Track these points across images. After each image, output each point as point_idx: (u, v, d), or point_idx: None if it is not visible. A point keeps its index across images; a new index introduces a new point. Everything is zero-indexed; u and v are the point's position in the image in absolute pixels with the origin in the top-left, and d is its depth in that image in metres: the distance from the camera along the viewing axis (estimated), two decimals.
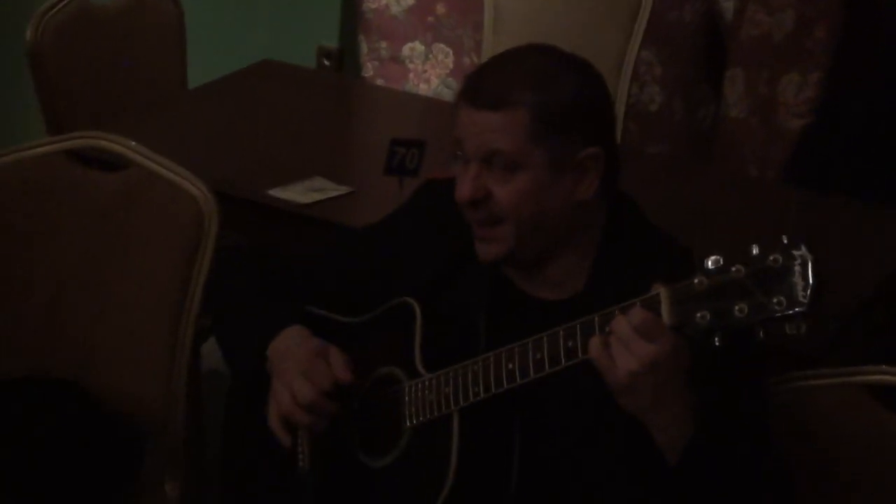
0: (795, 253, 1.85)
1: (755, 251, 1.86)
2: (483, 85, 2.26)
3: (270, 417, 2.44)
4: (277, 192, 3.42)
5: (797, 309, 1.86)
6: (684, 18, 4.55)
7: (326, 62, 4.97)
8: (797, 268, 1.86)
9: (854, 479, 2.43)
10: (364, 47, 5.12)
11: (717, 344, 1.96)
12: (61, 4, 4.02)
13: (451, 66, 4.97)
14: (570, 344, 2.09)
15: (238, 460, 2.58)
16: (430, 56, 5.04)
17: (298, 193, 3.44)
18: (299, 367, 2.41)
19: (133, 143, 2.95)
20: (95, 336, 3.07)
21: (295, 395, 2.39)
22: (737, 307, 1.90)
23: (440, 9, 4.97)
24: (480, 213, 2.26)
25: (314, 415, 2.39)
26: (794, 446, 2.36)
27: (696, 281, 1.94)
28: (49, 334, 3.08)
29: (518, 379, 2.20)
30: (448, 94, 4.79)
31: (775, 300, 1.86)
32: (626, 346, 2.00)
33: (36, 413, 2.99)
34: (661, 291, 1.98)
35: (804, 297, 1.85)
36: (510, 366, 2.20)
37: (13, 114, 4.17)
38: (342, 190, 3.45)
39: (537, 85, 2.24)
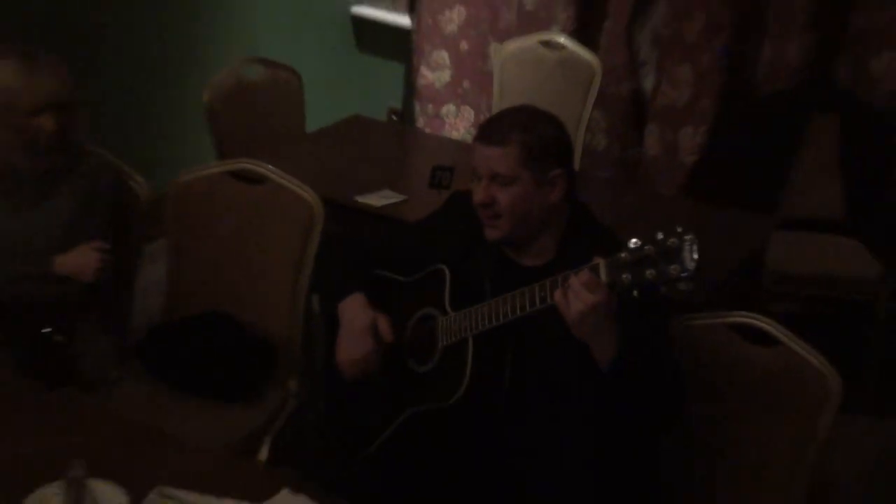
0: (686, 238, 2.06)
1: (660, 236, 2.09)
2: (490, 130, 2.47)
3: (338, 358, 2.57)
4: (361, 198, 3.55)
5: (686, 273, 2.04)
6: (621, 92, 4.57)
7: (394, 117, 5.06)
8: (687, 247, 2.05)
9: (721, 384, 2.57)
10: (417, 108, 5.22)
11: (635, 295, 2.12)
12: (225, 77, 4.07)
13: (472, 120, 5.10)
14: (542, 294, 2.26)
15: (334, 368, 2.59)
16: (459, 114, 5.12)
17: (374, 199, 3.62)
18: (347, 331, 2.54)
19: (270, 166, 3.15)
20: (245, 288, 3.20)
21: (343, 356, 2.51)
22: (648, 272, 2.10)
23: (466, 84, 5.07)
24: (488, 211, 2.44)
25: (355, 368, 2.52)
26: (686, 360, 2.43)
27: (622, 255, 2.14)
28: (218, 287, 3.24)
29: (510, 316, 2.33)
30: (470, 139, 4.82)
31: (672, 267, 2.06)
32: (576, 295, 2.14)
33: (211, 333, 3.01)
34: (601, 262, 2.17)
35: (691, 265, 2.04)
36: (505, 308, 2.35)
37: (197, 147, 4.19)
38: (401, 197, 3.62)
39: (524, 130, 2.43)
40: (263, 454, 2.91)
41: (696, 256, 2.09)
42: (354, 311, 2.58)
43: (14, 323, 2.81)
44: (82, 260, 2.88)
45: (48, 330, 2.82)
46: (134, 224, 3.14)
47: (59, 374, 2.73)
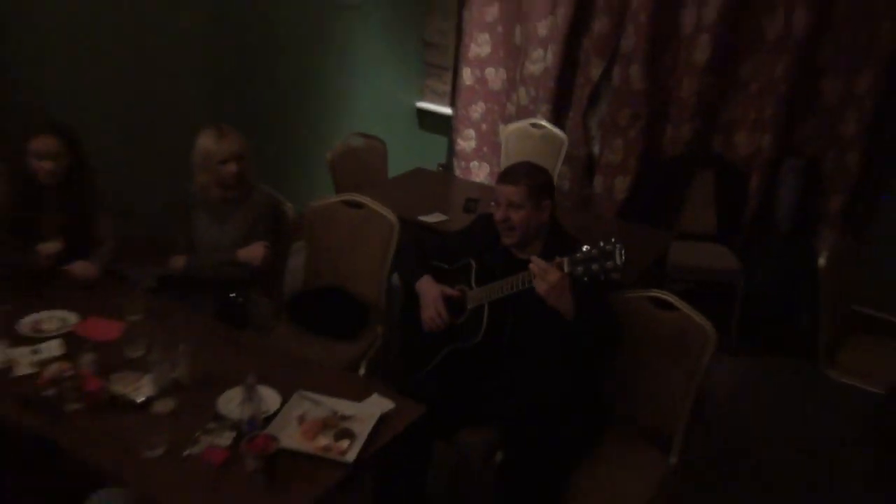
0: (617, 244, 2.11)
1: (601, 244, 2.15)
2: (508, 175, 2.49)
3: (422, 317, 2.55)
4: (421, 217, 3.52)
5: (617, 266, 2.08)
6: (579, 154, 4.57)
7: (441, 168, 5.02)
8: (617, 250, 2.10)
9: (640, 335, 2.51)
10: (455, 163, 5.20)
11: (585, 280, 2.15)
12: (340, 144, 4.04)
13: (489, 171, 5.12)
14: (525, 276, 2.28)
15: (408, 321, 2.58)
16: (480, 167, 5.15)
17: (429, 218, 3.57)
18: (427, 300, 2.53)
19: (366, 198, 3.07)
20: (351, 270, 3.12)
21: (428, 313, 2.50)
22: (593, 265, 2.15)
23: (485, 149, 5.12)
24: (505, 225, 2.47)
25: (434, 322, 2.49)
26: (619, 320, 2.42)
27: (577, 255, 2.17)
28: (334, 270, 3.16)
29: (509, 291, 2.35)
30: (487, 182, 4.78)
31: (608, 263, 2.12)
32: (543, 278, 2.15)
33: (331, 298, 3.01)
34: (564, 259, 2.19)
35: (620, 262, 2.08)
36: (507, 286, 2.36)
37: (322, 186, 4.15)
38: (446, 217, 3.55)
39: (528, 176, 2.46)
40: (362, 371, 2.88)
41: (623, 257, 2.09)
42: (427, 287, 2.56)
43: (214, 290, 2.81)
44: (254, 253, 2.86)
45: (233, 294, 2.81)
46: (284, 231, 3.10)
47: (240, 321, 2.72)
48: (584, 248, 2.16)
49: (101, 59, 3.84)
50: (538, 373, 2.42)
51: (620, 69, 4.39)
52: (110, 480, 1.86)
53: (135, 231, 3.21)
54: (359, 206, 3.11)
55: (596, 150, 4.68)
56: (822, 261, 2.92)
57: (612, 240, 2.11)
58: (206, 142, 2.83)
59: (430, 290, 2.55)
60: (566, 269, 2.18)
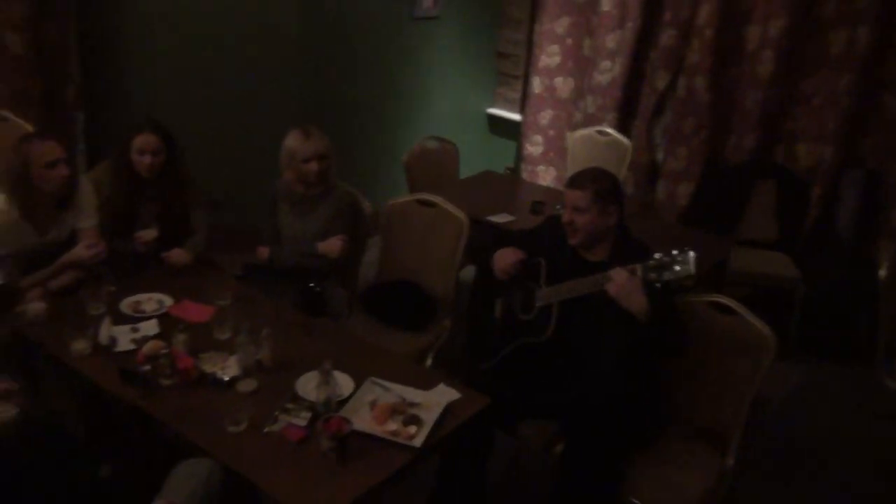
0: (689, 253, 2.08)
1: (674, 252, 2.12)
2: (575, 180, 2.43)
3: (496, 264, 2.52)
4: (490, 217, 3.48)
5: (689, 274, 2.06)
6: (643, 161, 4.47)
7: (509, 171, 4.95)
8: (690, 258, 2.08)
9: (702, 338, 2.41)
10: (522, 167, 5.13)
11: (658, 286, 2.14)
12: (415, 147, 4.05)
13: (555, 175, 5.00)
14: (600, 279, 2.23)
15: (476, 316, 2.57)
16: (547, 172, 5.06)
17: (497, 218, 3.55)
18: (505, 255, 2.49)
19: (439, 197, 3.07)
20: (422, 266, 3.10)
21: (499, 263, 2.50)
22: (665, 272, 2.14)
23: (551, 154, 5.03)
24: (570, 227, 2.41)
25: (507, 270, 2.47)
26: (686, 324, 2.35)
27: (651, 262, 2.16)
28: (406, 265, 3.17)
29: (583, 292, 2.31)
30: (553, 185, 4.73)
31: (681, 271, 2.09)
32: (615, 281, 2.16)
33: (402, 291, 3.04)
34: (638, 266, 2.17)
35: (693, 269, 2.06)
36: (581, 286, 2.32)
37: (398, 185, 4.17)
38: (513, 218, 3.52)
39: (594, 181, 2.39)
40: (429, 362, 2.88)
41: (695, 264, 2.03)
42: (505, 250, 2.52)
43: (295, 279, 2.83)
44: (332, 246, 2.88)
45: (312, 284, 2.84)
46: (362, 227, 3.11)
47: (318, 310, 2.75)
48: (657, 255, 2.12)
49: (200, 67, 3.96)
50: (600, 370, 2.37)
51: (686, 80, 4.30)
52: (197, 451, 1.90)
53: (224, 222, 3.30)
54: (431, 205, 3.12)
55: (660, 157, 4.59)
56: (882, 272, 2.81)
57: (686, 248, 2.07)
58: (292, 141, 2.87)
59: (508, 251, 2.51)
60: (640, 274, 2.15)
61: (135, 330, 2.36)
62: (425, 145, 4.15)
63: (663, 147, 4.57)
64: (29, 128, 3.45)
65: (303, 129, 2.88)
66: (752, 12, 4.07)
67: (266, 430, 1.97)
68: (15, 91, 3.87)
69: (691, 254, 2.05)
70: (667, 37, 4.33)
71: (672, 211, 4.49)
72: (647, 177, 4.67)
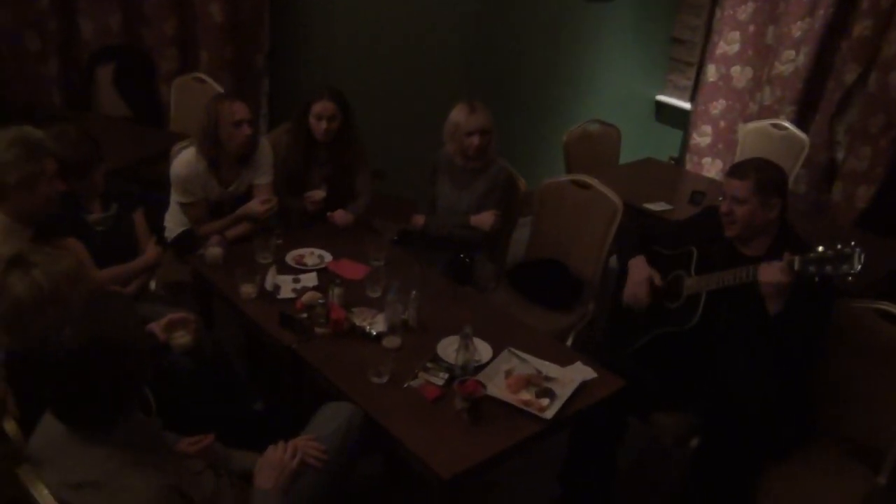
0: (857, 248, 1.95)
1: (839, 245, 1.99)
2: (736, 169, 2.32)
3: (624, 293, 2.51)
4: (646, 204, 3.43)
5: (853, 271, 1.95)
6: (820, 159, 4.21)
7: (673, 161, 4.80)
8: (857, 254, 1.95)
9: (864, 344, 2.30)
10: (687, 157, 4.95)
11: (816, 280, 2.01)
12: (577, 128, 4.02)
13: (720, 168, 4.78)
14: (752, 270, 2.13)
15: (621, 299, 2.55)
16: (713, 164, 4.86)
17: (654, 206, 3.46)
18: (633, 279, 2.47)
19: (595, 180, 3.08)
20: (572, 247, 3.08)
21: (630, 290, 2.45)
22: (827, 267, 2.01)
23: (720, 146, 4.79)
24: (729, 218, 2.31)
25: (635, 300, 2.45)
26: (844, 328, 2.29)
27: (811, 254, 2.03)
28: (556, 245, 3.15)
29: (732, 283, 2.22)
30: (718, 178, 4.53)
31: (845, 266, 1.96)
32: (769, 274, 2.06)
33: (548, 270, 3.06)
34: (796, 257, 2.05)
35: (858, 266, 1.94)
36: (729, 277, 2.24)
37: (555, 165, 4.17)
38: (670, 207, 3.42)
39: (756, 171, 2.28)
40: (569, 341, 2.87)
41: (862, 261, 1.90)
42: (638, 267, 2.50)
43: (446, 248, 2.91)
44: (485, 219, 2.94)
45: (462, 255, 2.92)
46: (515, 203, 3.15)
47: (465, 279, 2.82)
48: (820, 248, 2.01)
49: (375, 41, 4.14)
50: (746, 367, 2.27)
51: (878, 75, 3.96)
52: (341, 396, 2.04)
53: (386, 190, 3.45)
54: (587, 186, 3.09)
55: (840, 156, 4.29)
56: None
57: (852, 243, 1.95)
58: (457, 114, 2.95)
59: (639, 271, 2.48)
60: (797, 266, 2.04)
61: (296, 280, 2.54)
62: (587, 128, 4.11)
63: (845, 145, 4.26)
64: (220, 90, 3.77)
65: (469, 103, 2.95)
66: None
67: (405, 385, 2.07)
68: (212, 56, 4.24)
69: (857, 249, 1.92)
70: (861, 27, 4.01)
71: (848, 214, 4.18)
72: (824, 176, 4.38)
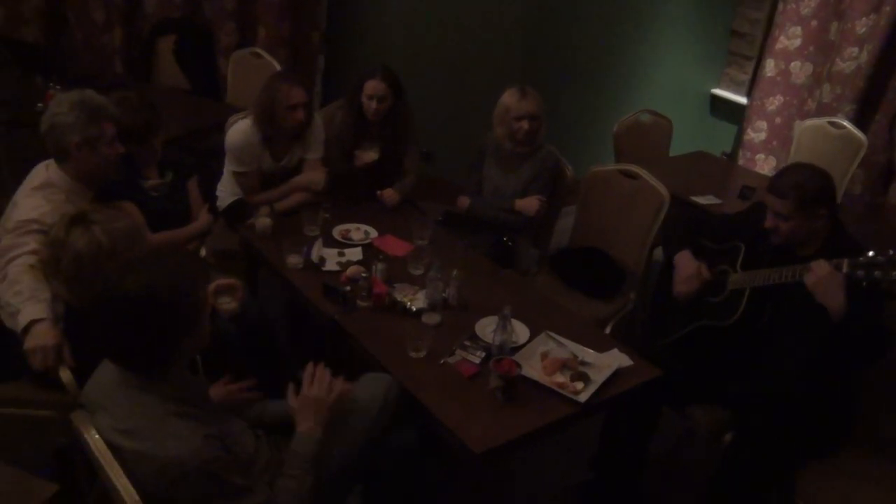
0: None
1: (891, 251, 1.96)
2: (775, 185, 2.24)
3: (674, 288, 2.47)
4: (694, 197, 3.39)
5: None
6: (878, 160, 4.09)
7: (725, 156, 4.73)
8: None
9: None
10: (740, 153, 4.87)
11: (864, 284, 2.00)
12: (628, 118, 3.99)
13: (773, 165, 4.69)
14: (799, 269, 2.12)
15: (663, 290, 2.55)
16: (766, 160, 4.76)
17: (701, 199, 3.40)
18: (681, 274, 2.44)
19: (644, 170, 3.04)
20: (616, 236, 3.07)
21: (678, 289, 2.41)
22: (876, 272, 1.98)
23: (774, 143, 4.68)
24: (773, 231, 2.25)
25: (684, 296, 2.42)
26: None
27: (860, 259, 2.01)
28: (600, 233, 3.12)
29: (778, 281, 2.19)
30: (770, 174, 4.48)
31: (895, 272, 1.89)
32: (816, 274, 2.03)
33: (593, 258, 3.07)
34: (844, 261, 2.03)
35: None
36: (775, 275, 2.21)
37: (604, 154, 4.15)
38: (719, 201, 3.38)
39: (797, 188, 2.19)
40: (608, 329, 2.87)
41: None
42: (685, 261, 2.47)
43: (490, 231, 2.95)
44: (530, 204, 2.96)
45: (505, 238, 2.95)
46: (561, 190, 3.15)
47: (507, 262, 2.85)
48: (871, 253, 1.99)
49: (429, 24, 4.16)
50: (786, 366, 2.24)
51: None
52: (379, 368, 2.09)
53: (432, 172, 3.48)
54: (634, 176, 3.07)
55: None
56: None
57: None
58: (508, 99, 2.96)
59: (687, 265, 2.45)
60: (845, 269, 2.02)
61: (341, 254, 2.60)
62: (639, 118, 4.08)
63: None
64: (277, 66, 3.85)
65: (520, 88, 2.96)
66: None
67: (442, 361, 2.11)
68: (269, 32, 4.32)
69: None
70: None
71: None
72: (881, 177, 4.24)
